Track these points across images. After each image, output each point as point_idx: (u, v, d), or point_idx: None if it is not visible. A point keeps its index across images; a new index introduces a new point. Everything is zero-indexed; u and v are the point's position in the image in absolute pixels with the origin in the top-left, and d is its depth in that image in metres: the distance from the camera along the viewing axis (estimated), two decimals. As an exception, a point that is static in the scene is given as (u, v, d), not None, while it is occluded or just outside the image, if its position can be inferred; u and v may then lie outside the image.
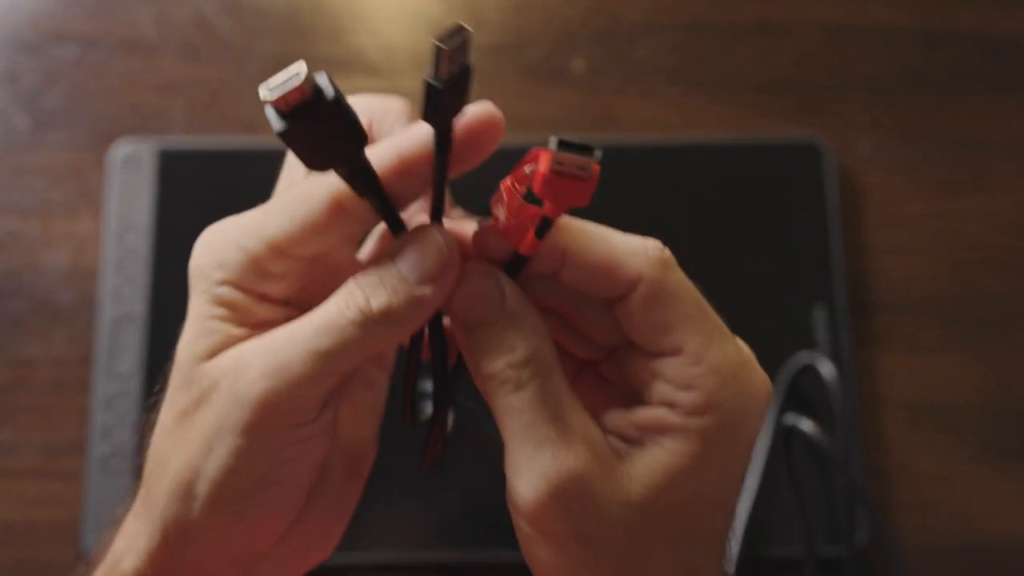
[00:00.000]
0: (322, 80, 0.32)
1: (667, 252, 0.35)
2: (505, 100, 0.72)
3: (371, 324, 0.35)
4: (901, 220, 0.70)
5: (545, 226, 0.35)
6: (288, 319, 0.36)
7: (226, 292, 0.36)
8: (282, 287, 0.37)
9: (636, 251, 0.35)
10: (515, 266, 0.36)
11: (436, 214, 0.36)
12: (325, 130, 0.33)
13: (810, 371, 0.64)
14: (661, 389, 0.35)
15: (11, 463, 0.65)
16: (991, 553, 0.64)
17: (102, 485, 0.63)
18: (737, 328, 0.37)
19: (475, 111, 0.35)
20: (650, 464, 0.35)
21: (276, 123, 0.32)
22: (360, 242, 0.39)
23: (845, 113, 0.72)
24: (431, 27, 0.73)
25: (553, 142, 0.32)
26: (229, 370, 0.35)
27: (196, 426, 0.35)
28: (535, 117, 0.71)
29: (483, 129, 0.36)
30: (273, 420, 0.34)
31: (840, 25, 0.73)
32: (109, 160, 0.69)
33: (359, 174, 0.35)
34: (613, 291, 0.35)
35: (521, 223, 0.35)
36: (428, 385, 0.41)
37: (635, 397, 0.37)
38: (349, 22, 0.73)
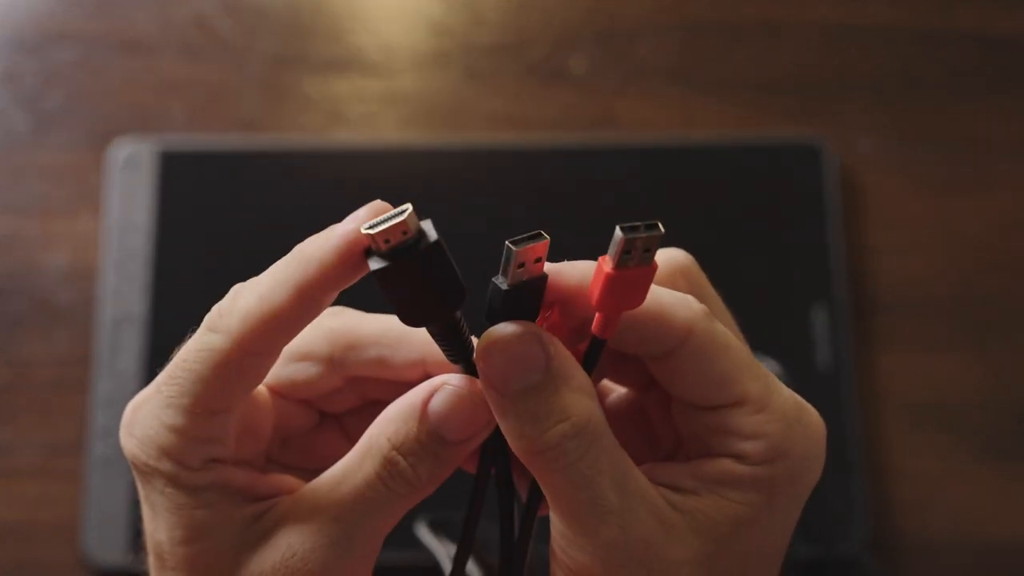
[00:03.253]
0: (427, 225, 0.30)
1: (701, 306, 0.33)
2: (505, 100, 0.73)
3: (417, 493, 0.35)
4: (901, 220, 0.70)
5: (596, 351, 0.33)
6: (249, 468, 0.35)
7: (185, 475, 0.34)
8: (228, 446, 0.34)
9: (681, 303, 0.33)
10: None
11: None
12: (424, 279, 0.30)
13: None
14: (722, 440, 0.33)
15: (11, 463, 0.65)
16: (991, 553, 0.64)
17: (102, 485, 0.63)
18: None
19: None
20: (713, 516, 0.33)
21: (374, 262, 0.30)
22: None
23: (845, 113, 0.71)
24: (431, 27, 0.73)
25: (617, 230, 0.29)
26: (288, 557, 0.34)
27: None
28: (535, 117, 0.71)
29: None
30: None
31: (840, 25, 0.73)
32: (109, 160, 0.69)
33: (453, 335, 0.33)
34: (661, 346, 0.33)
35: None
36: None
37: (671, 440, 0.36)
38: (349, 22, 0.73)
